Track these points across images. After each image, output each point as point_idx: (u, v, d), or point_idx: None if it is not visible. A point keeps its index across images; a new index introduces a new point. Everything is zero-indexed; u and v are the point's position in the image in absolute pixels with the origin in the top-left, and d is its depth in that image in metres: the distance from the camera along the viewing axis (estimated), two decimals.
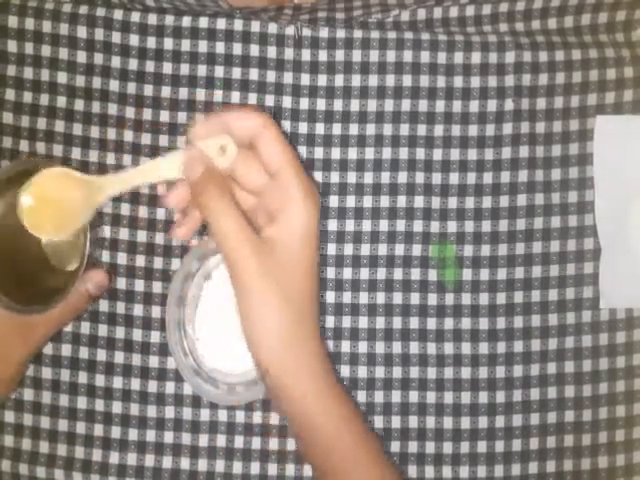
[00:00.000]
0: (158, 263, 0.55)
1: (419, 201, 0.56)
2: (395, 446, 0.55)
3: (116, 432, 0.55)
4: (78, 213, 0.42)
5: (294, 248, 0.40)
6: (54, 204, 0.42)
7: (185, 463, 0.55)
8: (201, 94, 0.56)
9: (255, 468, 0.55)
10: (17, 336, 0.48)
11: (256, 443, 0.55)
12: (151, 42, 0.56)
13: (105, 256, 0.55)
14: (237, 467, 0.55)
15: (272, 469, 0.55)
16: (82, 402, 0.55)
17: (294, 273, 0.40)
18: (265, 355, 0.40)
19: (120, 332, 0.55)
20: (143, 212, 0.55)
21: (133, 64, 0.56)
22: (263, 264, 0.39)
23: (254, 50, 0.56)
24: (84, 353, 0.55)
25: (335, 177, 0.56)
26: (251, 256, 0.39)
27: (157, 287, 0.55)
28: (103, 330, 0.55)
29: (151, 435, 0.55)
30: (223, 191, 0.40)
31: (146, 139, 0.55)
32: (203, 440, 0.55)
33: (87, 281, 0.49)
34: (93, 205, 0.42)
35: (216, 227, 0.39)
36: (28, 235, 0.42)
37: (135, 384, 0.55)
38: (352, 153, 0.56)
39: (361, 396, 0.55)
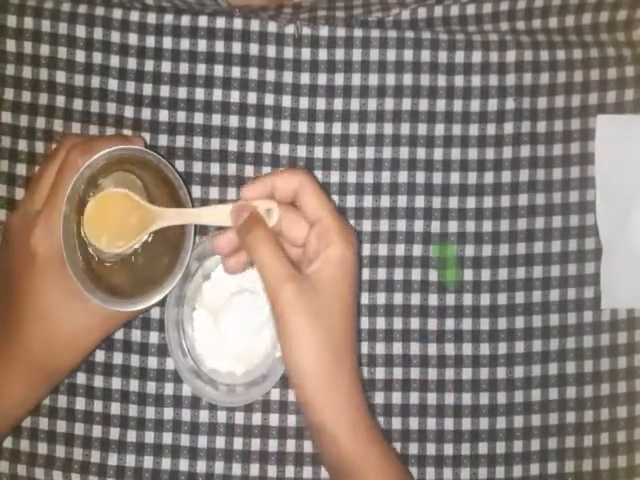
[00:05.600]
0: None
1: (420, 201, 0.56)
2: (396, 447, 0.55)
3: (115, 433, 0.54)
4: (130, 234, 0.46)
5: (334, 287, 0.42)
6: (110, 221, 0.46)
7: (184, 464, 0.54)
8: (200, 93, 0.55)
9: (254, 470, 0.54)
10: (98, 324, 0.48)
11: (255, 444, 0.54)
12: (150, 41, 0.55)
13: None
14: (236, 469, 0.54)
15: (271, 471, 0.54)
16: (80, 403, 0.55)
17: (334, 312, 0.42)
18: (308, 394, 0.42)
19: (119, 333, 0.55)
20: None
21: (132, 63, 0.55)
22: (305, 300, 0.41)
23: (254, 49, 0.56)
24: None
25: (335, 177, 0.56)
26: (293, 292, 0.41)
27: None
28: None
29: (150, 436, 0.54)
30: (267, 232, 0.43)
31: (145, 138, 0.55)
32: (202, 441, 0.55)
33: None
34: (146, 230, 0.46)
35: (260, 264, 0.42)
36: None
37: (134, 385, 0.55)
38: (352, 153, 0.56)
39: None
